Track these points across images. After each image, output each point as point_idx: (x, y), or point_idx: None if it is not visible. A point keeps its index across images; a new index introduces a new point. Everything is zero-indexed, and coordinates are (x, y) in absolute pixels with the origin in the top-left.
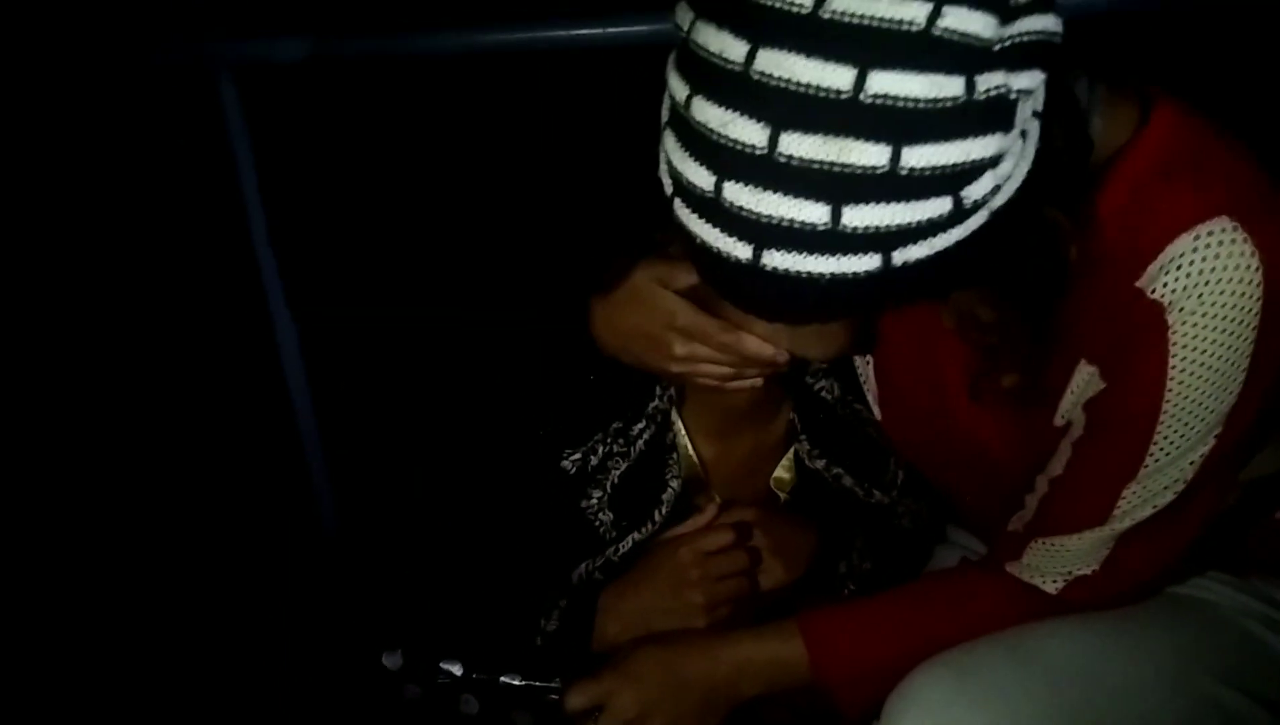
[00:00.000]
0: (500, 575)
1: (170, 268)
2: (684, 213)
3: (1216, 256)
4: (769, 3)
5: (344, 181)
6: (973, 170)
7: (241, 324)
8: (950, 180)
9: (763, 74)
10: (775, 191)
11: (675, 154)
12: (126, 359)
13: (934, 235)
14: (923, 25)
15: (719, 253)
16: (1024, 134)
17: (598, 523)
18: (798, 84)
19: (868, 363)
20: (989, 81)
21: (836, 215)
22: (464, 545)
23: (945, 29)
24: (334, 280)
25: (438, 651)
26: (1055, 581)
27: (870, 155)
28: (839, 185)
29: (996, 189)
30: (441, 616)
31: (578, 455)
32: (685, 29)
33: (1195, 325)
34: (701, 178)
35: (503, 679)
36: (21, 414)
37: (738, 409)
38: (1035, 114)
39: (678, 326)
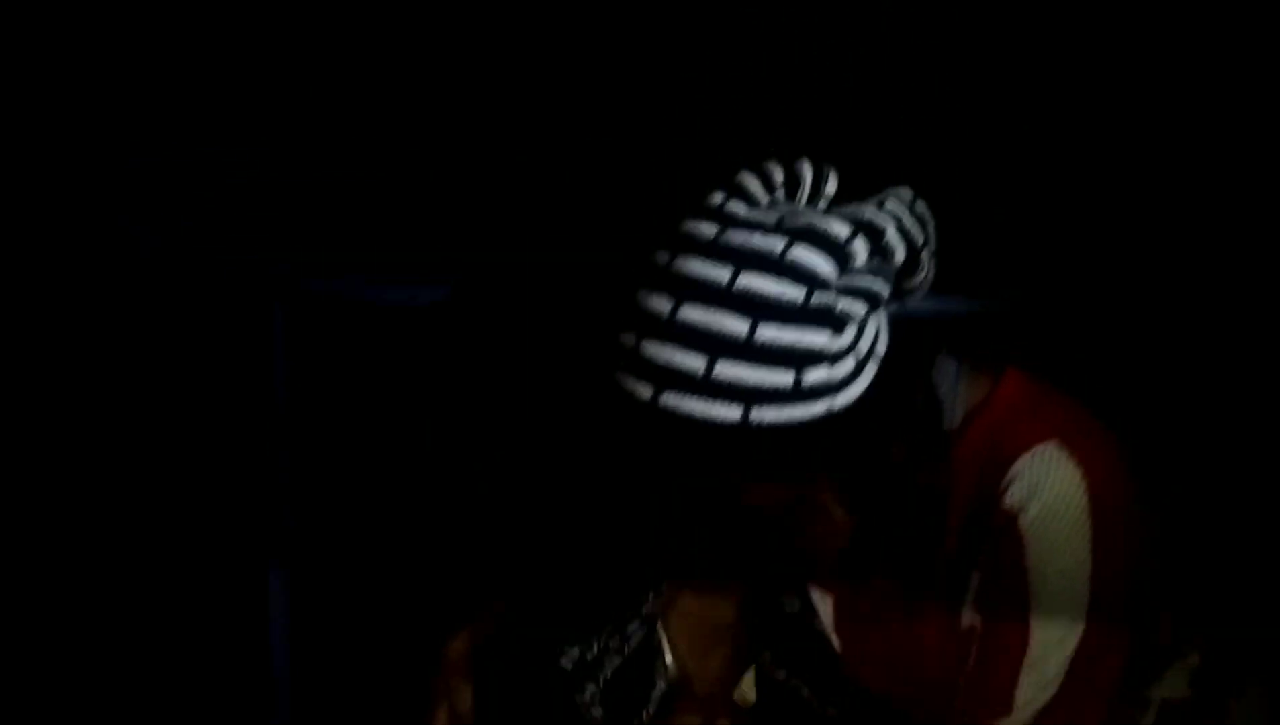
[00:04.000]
0: None
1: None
2: (617, 372)
3: (1047, 470)
4: (688, 233)
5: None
6: (807, 356)
7: None
8: (791, 357)
9: (676, 271)
10: (673, 345)
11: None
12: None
13: (782, 403)
14: (779, 252)
15: (632, 395)
16: (859, 358)
17: (589, 718)
18: (694, 275)
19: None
20: (822, 298)
21: (710, 366)
22: None
23: (793, 257)
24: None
25: None
26: None
27: (736, 326)
28: (715, 344)
29: (832, 388)
30: None
31: (575, 652)
32: None
33: (1039, 525)
34: (629, 340)
35: None
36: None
37: (719, 623)
38: (874, 357)
39: None
